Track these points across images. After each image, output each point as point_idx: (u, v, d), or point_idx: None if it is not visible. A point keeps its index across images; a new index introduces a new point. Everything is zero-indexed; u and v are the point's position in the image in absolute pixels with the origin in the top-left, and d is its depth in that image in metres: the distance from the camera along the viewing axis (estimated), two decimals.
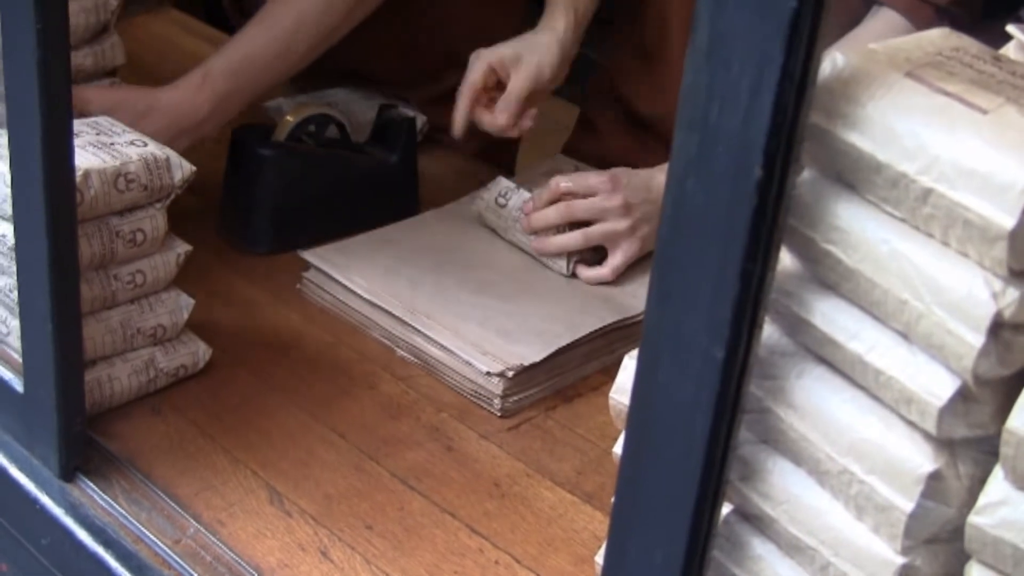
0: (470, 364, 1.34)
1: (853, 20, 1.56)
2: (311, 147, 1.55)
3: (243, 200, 1.54)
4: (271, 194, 1.53)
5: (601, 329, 1.41)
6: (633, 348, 1.39)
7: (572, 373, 1.40)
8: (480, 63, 1.58)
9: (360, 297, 1.44)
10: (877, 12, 1.54)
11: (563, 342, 1.37)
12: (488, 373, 1.32)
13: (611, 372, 1.33)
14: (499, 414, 1.33)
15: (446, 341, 1.37)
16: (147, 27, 2.11)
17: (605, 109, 1.86)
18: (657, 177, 1.50)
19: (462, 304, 1.43)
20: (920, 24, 1.49)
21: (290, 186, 1.53)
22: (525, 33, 1.63)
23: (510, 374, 1.32)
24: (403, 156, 1.61)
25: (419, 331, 1.39)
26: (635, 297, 1.47)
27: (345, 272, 1.46)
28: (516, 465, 1.27)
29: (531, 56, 1.59)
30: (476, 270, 1.50)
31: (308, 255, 1.49)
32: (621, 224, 1.51)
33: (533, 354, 1.35)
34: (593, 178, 1.53)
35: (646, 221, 1.51)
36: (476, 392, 1.34)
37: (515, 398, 1.34)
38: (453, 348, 1.36)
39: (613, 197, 1.50)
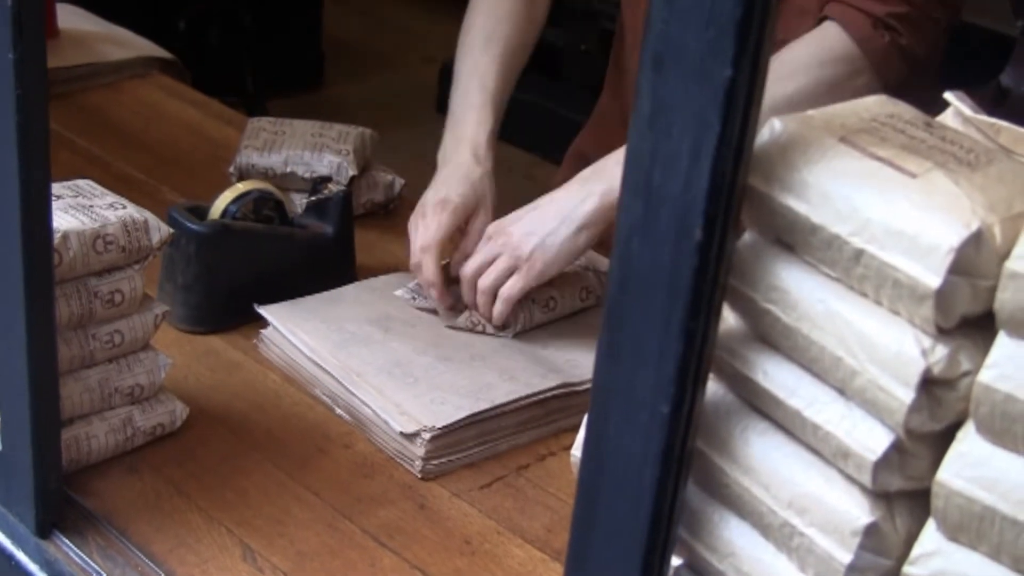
0: (389, 424, 1.34)
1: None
2: (247, 224, 1.54)
3: (181, 278, 1.52)
4: (208, 272, 1.51)
5: (535, 395, 1.40)
6: (573, 418, 1.41)
7: (505, 441, 1.38)
8: (451, 216, 1.53)
9: (303, 355, 1.45)
10: (820, 25, 1.56)
11: (483, 406, 1.36)
12: (402, 433, 1.32)
13: (564, 440, 1.35)
14: (419, 475, 1.32)
15: (370, 400, 1.37)
16: (134, 92, 2.15)
17: None
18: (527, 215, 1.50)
19: (400, 364, 1.43)
20: (855, 33, 1.51)
21: (226, 263, 1.52)
22: (463, 168, 1.58)
23: (426, 435, 1.32)
24: (339, 229, 1.61)
25: (350, 390, 1.39)
26: (577, 367, 1.46)
27: (293, 329, 1.47)
28: (487, 523, 1.28)
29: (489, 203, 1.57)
30: (423, 331, 1.50)
31: (263, 310, 1.50)
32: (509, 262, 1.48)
33: (452, 417, 1.34)
34: (470, 245, 1.53)
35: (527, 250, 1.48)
36: (400, 452, 1.34)
37: (438, 461, 1.33)
38: (376, 407, 1.36)
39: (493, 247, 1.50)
